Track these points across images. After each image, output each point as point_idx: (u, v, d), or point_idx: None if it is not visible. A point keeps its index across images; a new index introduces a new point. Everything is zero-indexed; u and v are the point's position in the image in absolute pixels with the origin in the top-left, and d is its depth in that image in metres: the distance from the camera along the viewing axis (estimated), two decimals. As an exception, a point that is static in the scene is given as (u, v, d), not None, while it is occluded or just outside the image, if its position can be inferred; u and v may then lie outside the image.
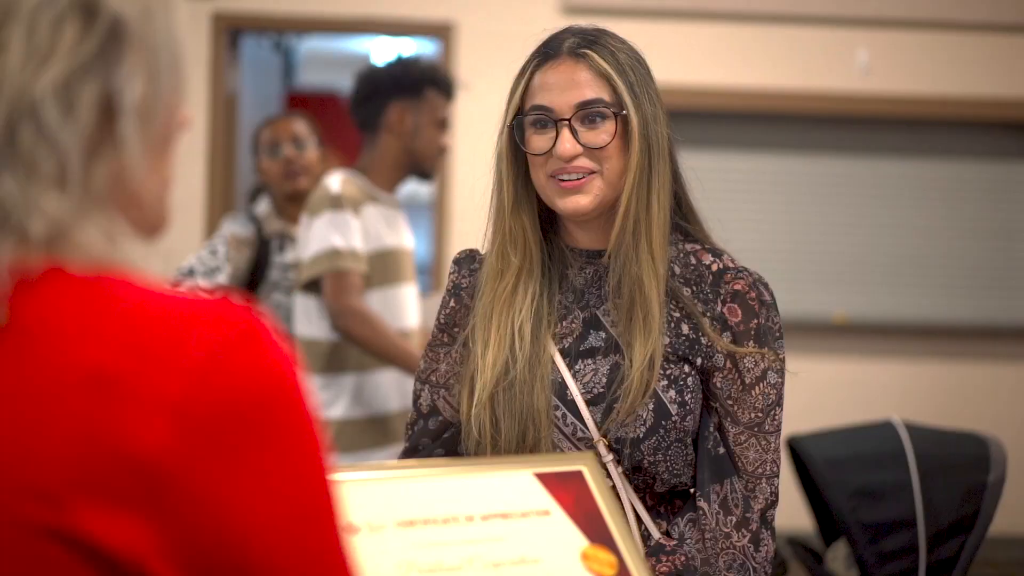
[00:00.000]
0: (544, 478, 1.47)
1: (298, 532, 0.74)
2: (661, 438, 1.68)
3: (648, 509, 1.72)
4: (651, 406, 1.68)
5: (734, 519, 1.69)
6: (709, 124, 5.66)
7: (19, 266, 0.74)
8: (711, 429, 1.71)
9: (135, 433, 0.71)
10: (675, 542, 1.69)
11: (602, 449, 1.68)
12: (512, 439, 1.70)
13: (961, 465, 3.09)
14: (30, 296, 0.74)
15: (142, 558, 0.71)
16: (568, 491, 1.47)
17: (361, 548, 1.21)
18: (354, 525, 1.25)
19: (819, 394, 5.60)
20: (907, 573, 3.04)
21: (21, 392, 0.71)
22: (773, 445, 1.72)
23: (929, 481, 3.05)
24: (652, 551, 1.67)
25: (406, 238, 3.38)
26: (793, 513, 3.69)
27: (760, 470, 1.70)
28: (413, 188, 5.39)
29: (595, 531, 1.44)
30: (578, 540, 1.43)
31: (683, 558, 1.68)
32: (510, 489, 1.45)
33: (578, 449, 1.68)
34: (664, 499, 1.74)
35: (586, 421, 1.70)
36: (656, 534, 1.71)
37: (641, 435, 1.67)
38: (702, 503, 1.69)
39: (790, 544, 3.55)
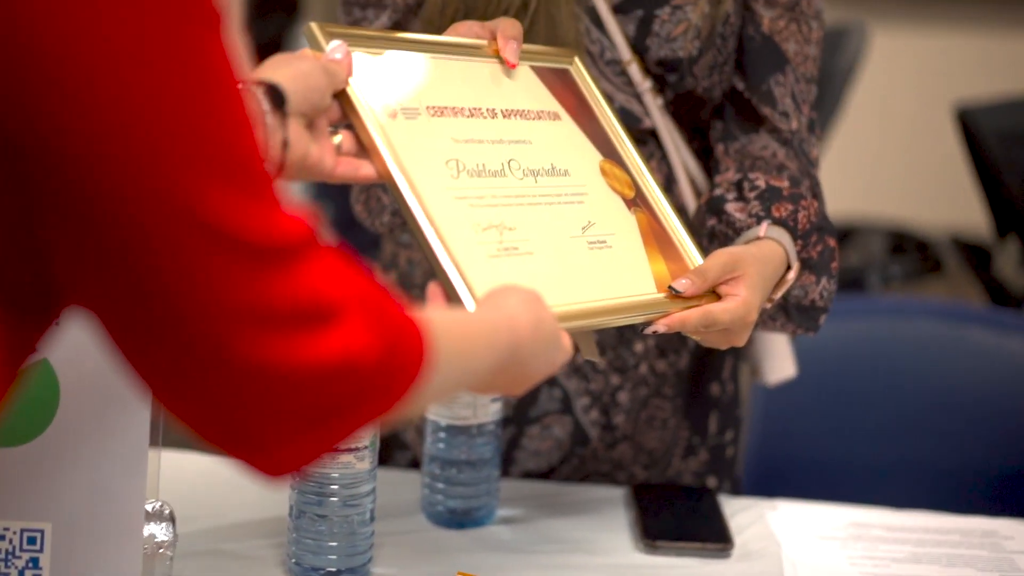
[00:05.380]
0: (540, 73, 1.26)
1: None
2: (719, 51, 1.34)
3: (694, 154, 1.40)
4: (705, 8, 1.33)
5: (805, 119, 1.36)
6: None
7: None
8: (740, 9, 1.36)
9: None
10: (789, 184, 1.32)
11: (635, 74, 1.34)
12: None
13: None
14: None
15: None
16: (566, 92, 1.28)
17: (402, 135, 1.10)
18: (389, 106, 1.11)
19: (994, 67, 4.83)
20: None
21: None
22: (815, 36, 1.37)
23: None
24: (769, 194, 1.30)
25: None
26: (960, 203, 3.19)
27: (802, 68, 1.36)
28: None
29: (601, 143, 1.27)
30: (592, 152, 1.26)
31: (815, 204, 1.32)
32: (514, 83, 1.24)
33: (605, 77, 1.35)
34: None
35: (611, 35, 1.33)
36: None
37: (694, 53, 1.33)
38: (766, 109, 1.35)
39: (954, 243, 3.09)
